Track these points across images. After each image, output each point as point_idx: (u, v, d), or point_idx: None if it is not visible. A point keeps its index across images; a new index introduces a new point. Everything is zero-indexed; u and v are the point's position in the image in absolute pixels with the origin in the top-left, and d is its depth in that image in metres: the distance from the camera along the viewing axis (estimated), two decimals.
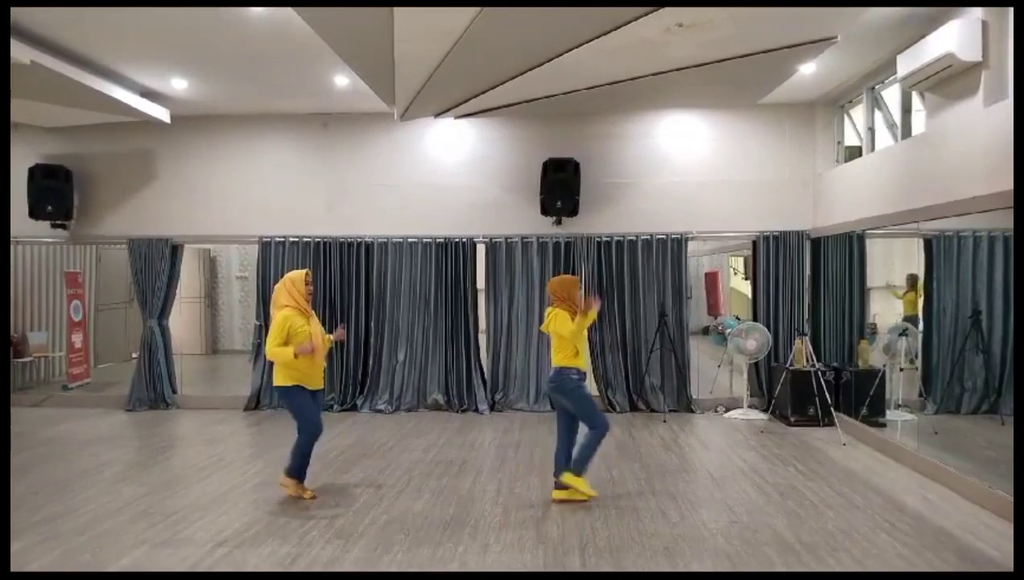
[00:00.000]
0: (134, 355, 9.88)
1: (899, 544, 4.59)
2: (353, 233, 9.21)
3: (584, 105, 8.16)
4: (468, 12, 5.05)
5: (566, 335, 5.30)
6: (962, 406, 6.79)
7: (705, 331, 12.29)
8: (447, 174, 9.25)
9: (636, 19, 5.14)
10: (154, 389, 9.25)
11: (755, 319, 8.93)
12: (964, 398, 6.75)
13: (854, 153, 8.56)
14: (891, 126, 7.69)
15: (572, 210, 8.77)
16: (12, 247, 9.59)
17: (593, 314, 5.32)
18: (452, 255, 9.10)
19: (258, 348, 9.26)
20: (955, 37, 5.61)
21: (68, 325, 10.00)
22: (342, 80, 7.75)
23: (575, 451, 5.46)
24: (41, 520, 5.07)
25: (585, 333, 5.43)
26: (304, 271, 5.62)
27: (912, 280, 7.46)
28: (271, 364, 8.98)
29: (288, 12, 5.55)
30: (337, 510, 5.27)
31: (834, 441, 7.30)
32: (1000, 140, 5.27)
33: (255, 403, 9.15)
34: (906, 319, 7.50)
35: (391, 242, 9.17)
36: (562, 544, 4.62)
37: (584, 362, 5.46)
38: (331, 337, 5.80)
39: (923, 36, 6.00)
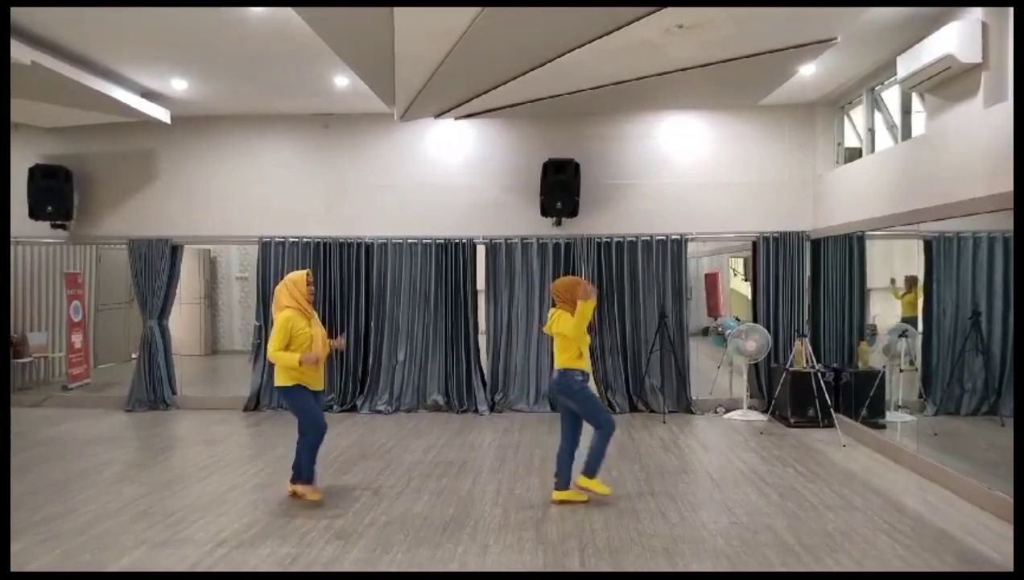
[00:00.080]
0: (134, 355, 9.90)
1: (899, 545, 4.59)
2: (353, 234, 9.21)
3: (584, 106, 8.17)
4: (468, 12, 5.05)
5: (569, 334, 5.31)
6: (962, 407, 6.79)
7: (705, 332, 12.31)
8: (447, 175, 9.26)
9: (637, 19, 5.14)
10: (154, 389, 9.25)
11: (755, 320, 8.93)
12: (964, 399, 6.75)
13: (854, 154, 8.57)
14: (891, 127, 7.70)
15: (572, 211, 8.77)
16: (12, 247, 9.59)
17: (590, 304, 5.27)
18: (452, 256, 9.11)
19: (258, 348, 9.26)
20: (955, 38, 5.61)
21: (68, 325, 10.00)
22: (342, 81, 7.76)
23: (587, 454, 5.45)
24: (41, 520, 5.07)
25: (587, 336, 5.45)
26: (305, 271, 5.55)
27: (911, 282, 7.46)
28: (271, 365, 9.03)
29: (288, 12, 5.55)
30: (337, 511, 5.27)
31: (834, 442, 7.30)
32: (1000, 142, 5.27)
33: (255, 404, 9.15)
34: (905, 320, 7.50)
35: (391, 243, 9.17)
36: (562, 545, 4.62)
37: (587, 363, 5.46)
38: (332, 342, 5.74)
39: (923, 37, 6.00)
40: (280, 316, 5.32)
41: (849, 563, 4.33)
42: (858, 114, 8.36)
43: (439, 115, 8.18)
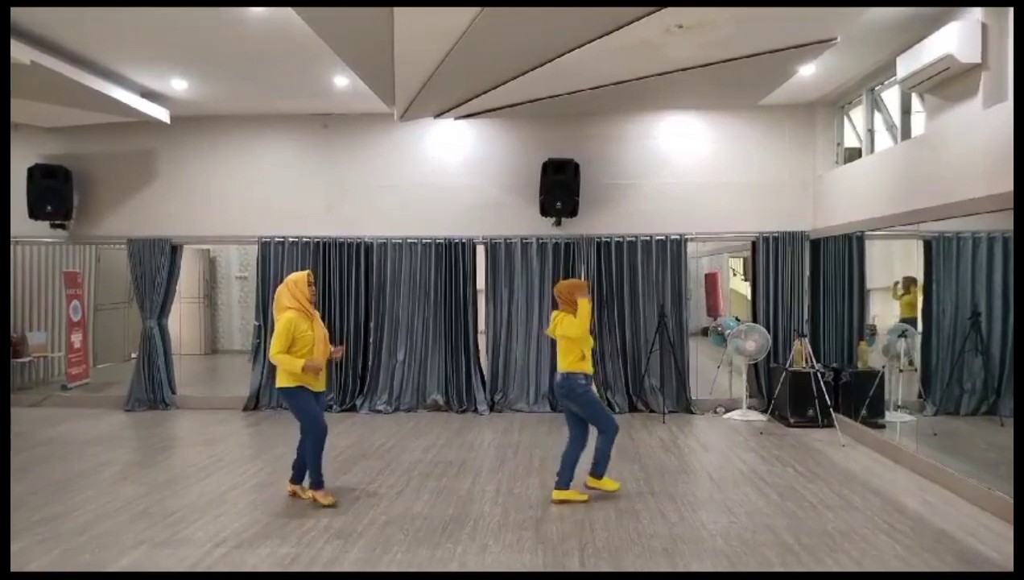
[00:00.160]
0: (133, 355, 9.89)
1: (898, 545, 4.60)
2: (353, 233, 9.21)
3: (584, 106, 8.16)
4: (468, 12, 5.05)
5: (572, 335, 5.33)
6: (961, 407, 6.80)
7: (704, 332, 12.28)
8: (447, 175, 9.26)
9: (637, 19, 5.14)
10: (153, 389, 9.25)
11: (754, 320, 8.93)
12: (963, 399, 6.76)
13: (854, 154, 8.57)
14: (891, 128, 7.70)
15: (572, 211, 8.77)
16: (12, 247, 9.58)
17: (586, 303, 5.36)
18: (452, 256, 9.11)
19: (257, 348, 9.26)
20: (955, 39, 5.61)
21: (67, 325, 10.00)
22: (342, 80, 7.76)
23: (593, 457, 5.54)
24: (40, 520, 5.07)
25: (591, 338, 5.47)
26: (306, 272, 5.49)
27: (908, 282, 7.46)
28: (271, 365, 9.04)
29: (288, 12, 5.55)
30: (336, 510, 5.27)
31: (833, 442, 7.31)
32: (999, 142, 5.28)
33: (254, 403, 9.15)
34: (903, 321, 7.50)
35: (391, 242, 9.17)
36: (561, 545, 4.62)
37: (590, 366, 5.48)
38: (331, 350, 5.66)
39: (923, 38, 6.01)
40: (283, 318, 5.27)
41: (848, 563, 4.33)
42: (858, 114, 8.37)
43: (439, 115, 8.18)
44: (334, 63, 6.84)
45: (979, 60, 5.60)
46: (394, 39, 5.55)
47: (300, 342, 5.26)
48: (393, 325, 9.16)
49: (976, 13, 5.62)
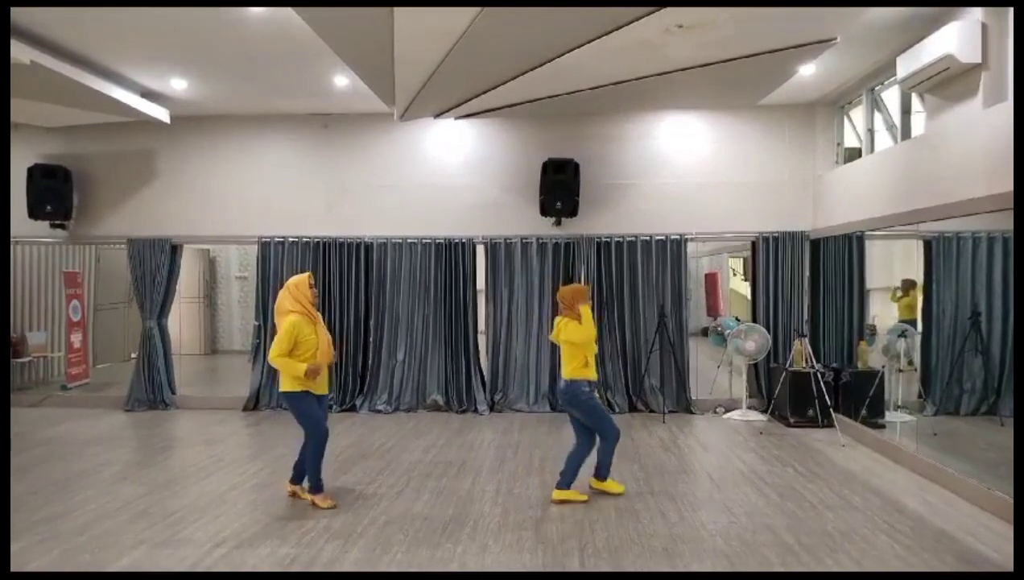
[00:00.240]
0: (133, 355, 9.88)
1: (898, 546, 4.60)
2: (353, 233, 9.21)
3: (584, 106, 8.16)
4: (468, 12, 5.05)
5: (577, 341, 5.34)
6: (961, 407, 6.79)
7: (704, 332, 12.28)
8: (447, 175, 9.26)
9: (637, 19, 5.14)
10: (153, 389, 9.25)
11: (754, 320, 8.93)
12: (963, 399, 6.76)
13: (854, 154, 8.57)
14: (891, 127, 7.70)
15: (572, 211, 8.77)
16: (11, 247, 9.58)
17: (587, 310, 5.44)
18: (452, 255, 9.11)
19: (257, 348, 9.26)
20: (955, 39, 5.61)
21: (67, 325, 10.00)
22: (342, 80, 7.76)
23: (596, 460, 5.58)
24: (40, 520, 5.07)
25: (595, 344, 5.48)
26: (306, 274, 5.45)
27: (907, 285, 7.45)
28: (271, 365, 9.03)
29: (288, 12, 5.55)
30: (336, 511, 5.27)
31: (833, 442, 7.31)
32: (999, 142, 5.28)
33: (254, 403, 9.15)
34: (901, 323, 7.50)
35: (391, 242, 9.17)
36: (561, 545, 4.62)
37: (594, 373, 5.50)
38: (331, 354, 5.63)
39: (923, 38, 6.01)
40: (286, 321, 5.22)
41: (848, 563, 4.33)
42: (858, 114, 8.37)
43: (439, 115, 8.18)
44: (334, 63, 6.84)
45: (979, 60, 5.60)
46: (394, 39, 5.55)
47: (303, 346, 5.23)
48: (393, 325, 9.16)
49: (976, 13, 5.62)
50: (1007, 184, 5.06)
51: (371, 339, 9.15)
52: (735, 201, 9.00)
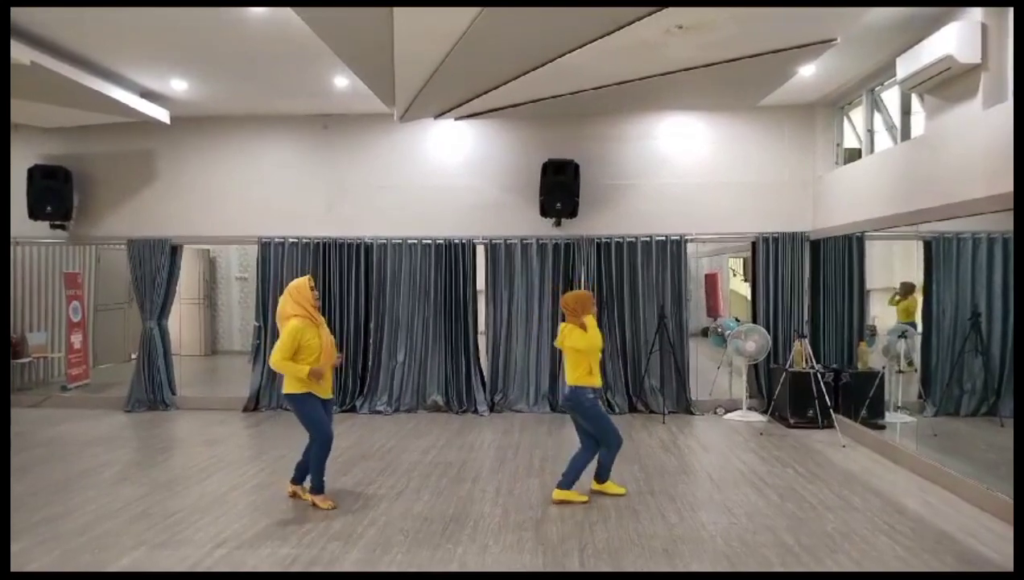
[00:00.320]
0: (133, 356, 9.89)
1: (898, 546, 4.60)
2: (353, 234, 9.22)
3: (584, 106, 8.16)
4: (468, 12, 5.05)
5: (582, 348, 5.34)
6: (961, 408, 6.79)
7: (704, 333, 12.28)
8: (447, 175, 9.26)
9: (639, 19, 5.14)
10: (153, 390, 9.25)
11: (754, 321, 8.94)
12: (963, 400, 6.75)
13: (853, 155, 8.57)
14: (890, 128, 7.70)
15: (572, 211, 8.78)
16: (11, 248, 9.59)
17: (592, 319, 5.46)
18: (452, 256, 9.11)
19: (258, 349, 9.26)
20: (954, 39, 5.62)
21: (67, 326, 10.00)
22: (342, 81, 7.76)
23: (597, 464, 5.60)
24: (41, 521, 5.07)
25: (599, 352, 5.51)
26: (306, 278, 5.44)
27: (907, 288, 7.45)
28: (271, 366, 9.04)
29: (288, 13, 5.55)
30: (336, 511, 5.27)
31: (833, 443, 7.31)
32: (999, 142, 5.28)
33: (254, 404, 9.15)
34: (900, 323, 7.50)
35: (391, 243, 9.17)
36: (561, 545, 4.63)
37: (599, 379, 5.50)
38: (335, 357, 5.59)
39: (922, 38, 6.01)
40: (289, 325, 5.19)
41: (849, 564, 4.33)
42: (858, 115, 8.37)
43: (439, 116, 8.18)
44: (334, 64, 6.84)
45: (979, 61, 5.61)
46: (394, 39, 5.55)
47: (306, 350, 5.20)
48: (393, 325, 9.16)
49: (976, 14, 5.62)
50: (1007, 185, 5.06)
51: (371, 340, 9.15)
52: (735, 202, 9.00)
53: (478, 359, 9.18)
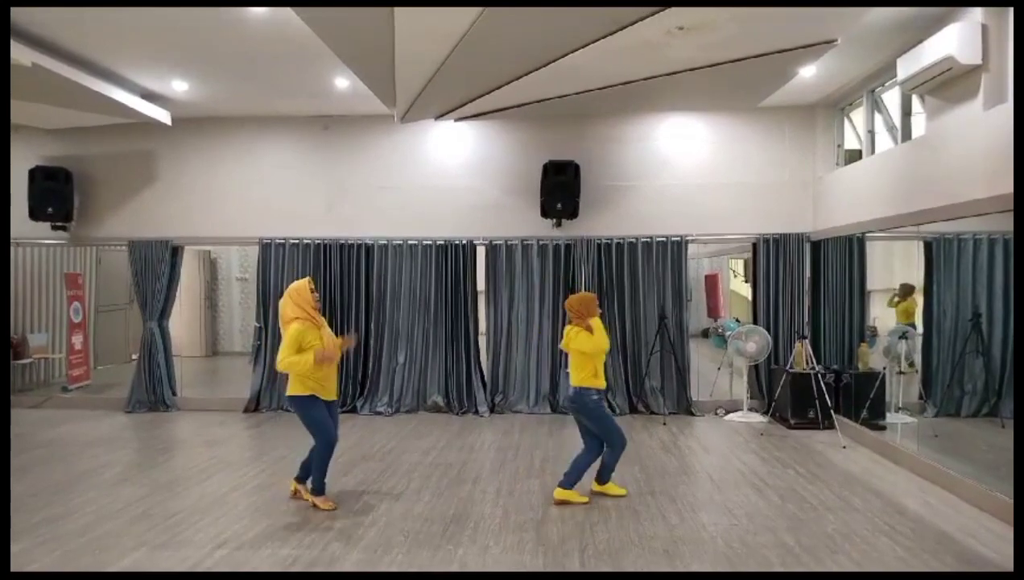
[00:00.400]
0: (134, 357, 9.89)
1: (899, 547, 4.59)
2: (353, 235, 9.22)
3: (585, 107, 8.17)
4: (469, 13, 5.05)
5: (588, 350, 5.35)
6: (962, 409, 6.78)
7: (705, 333, 12.29)
8: (447, 176, 9.26)
9: (641, 19, 5.14)
10: (154, 391, 9.25)
11: (755, 322, 8.93)
12: (964, 401, 6.75)
13: (854, 156, 8.57)
14: (891, 129, 7.70)
15: (572, 212, 8.78)
16: (12, 249, 9.60)
17: (598, 321, 5.46)
18: (452, 257, 9.11)
19: (258, 350, 9.27)
20: (955, 40, 5.61)
21: (68, 327, 10.00)
22: (342, 82, 7.76)
23: (599, 465, 5.60)
24: (41, 522, 5.07)
25: (604, 354, 5.52)
26: (306, 279, 5.42)
27: (906, 290, 7.44)
28: (271, 366, 9.05)
29: (288, 13, 5.55)
30: (337, 512, 5.27)
31: (834, 444, 7.30)
32: (1000, 143, 5.28)
33: (255, 405, 9.15)
34: (899, 324, 7.49)
35: (391, 244, 9.17)
36: (562, 546, 4.62)
37: (603, 381, 5.51)
38: (344, 339, 5.60)
39: (923, 39, 6.01)
40: (290, 329, 5.17)
41: (849, 564, 4.33)
42: (858, 116, 8.37)
43: (439, 116, 8.18)
44: (335, 64, 6.84)
45: (979, 61, 5.60)
46: (395, 40, 5.55)
47: (309, 352, 5.19)
48: (393, 327, 9.16)
49: (976, 15, 5.62)
50: (1007, 185, 5.05)
51: (371, 341, 9.15)
52: (735, 202, 9.00)
53: (478, 360, 9.18)
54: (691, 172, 9.10)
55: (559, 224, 9.03)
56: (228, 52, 6.96)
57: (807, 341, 8.26)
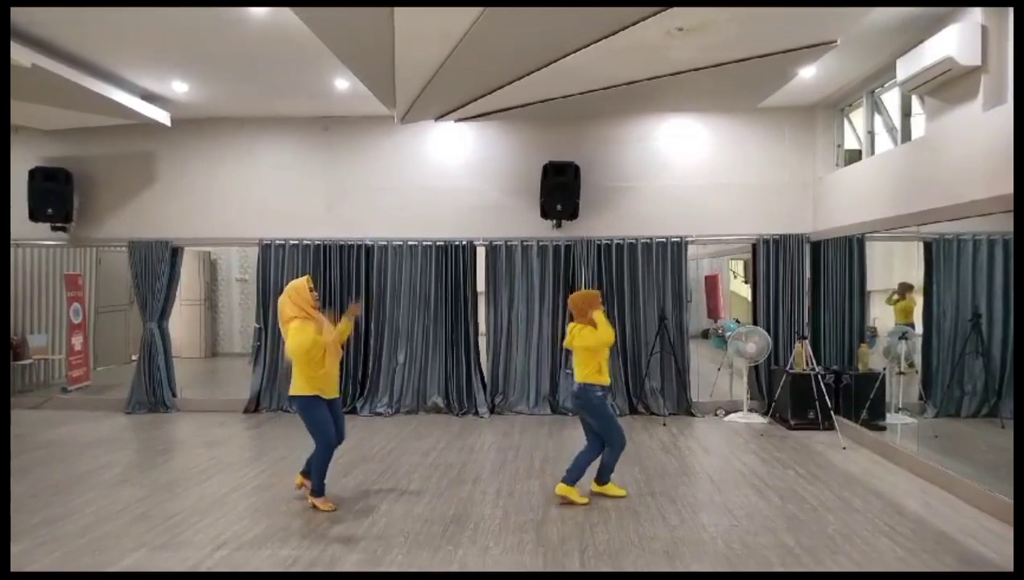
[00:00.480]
0: (134, 358, 9.89)
1: (899, 548, 4.59)
2: (353, 235, 9.22)
3: (585, 108, 8.17)
4: (470, 13, 5.05)
5: (593, 345, 5.37)
6: (962, 409, 6.79)
7: (705, 334, 12.30)
8: (447, 177, 9.26)
9: (643, 19, 5.14)
10: (154, 392, 9.25)
11: (755, 322, 8.93)
12: (964, 401, 6.75)
13: (854, 157, 8.57)
14: (891, 130, 7.70)
15: (572, 213, 8.78)
16: (12, 250, 9.60)
17: (601, 314, 5.56)
18: (452, 258, 9.11)
19: (258, 351, 9.26)
20: (955, 41, 5.62)
21: (68, 327, 10.01)
22: (342, 83, 7.77)
23: (599, 465, 5.61)
24: (41, 523, 5.07)
25: (607, 349, 5.53)
26: (305, 278, 5.40)
27: (904, 288, 7.44)
28: (271, 367, 9.07)
29: (288, 14, 5.54)
30: (337, 513, 5.27)
31: (834, 444, 7.30)
32: (1000, 144, 5.28)
33: (255, 406, 9.15)
34: (898, 325, 7.49)
35: (391, 245, 9.17)
36: (562, 547, 4.62)
37: (608, 378, 5.54)
38: (347, 317, 5.52)
39: (922, 40, 6.01)
40: (291, 327, 5.15)
41: (849, 565, 4.33)
42: (858, 116, 8.37)
43: (440, 117, 8.19)
44: (335, 65, 6.84)
45: (979, 62, 5.61)
46: (395, 40, 5.56)
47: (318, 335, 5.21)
48: (393, 327, 9.16)
49: (976, 15, 5.62)
50: (1007, 186, 5.06)
51: (371, 342, 9.15)
52: (735, 203, 9.00)
53: (478, 361, 9.18)
54: (691, 173, 9.10)
55: (559, 225, 9.03)
56: (228, 53, 6.96)
57: (807, 342, 8.26)
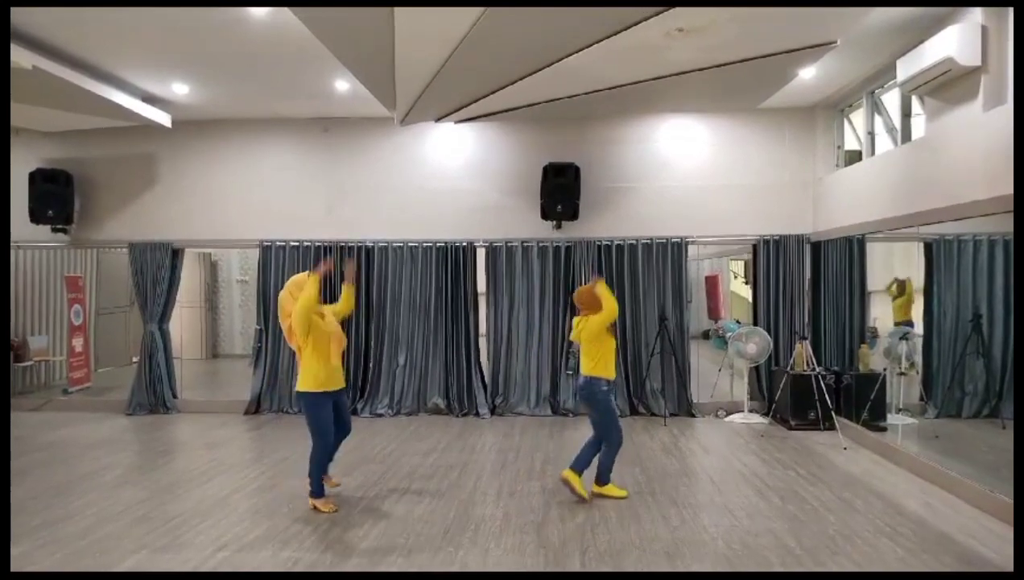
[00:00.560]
0: (134, 359, 9.89)
1: (899, 548, 4.59)
2: (353, 237, 9.22)
3: (585, 110, 8.17)
4: (470, 14, 5.05)
5: (602, 320, 5.42)
6: (963, 410, 6.79)
7: (705, 335, 12.29)
8: (448, 178, 9.27)
9: (645, 19, 5.14)
10: (154, 393, 9.26)
11: (755, 323, 8.93)
12: (965, 402, 6.75)
13: (854, 157, 8.57)
14: (891, 130, 7.70)
15: (572, 214, 8.78)
16: (13, 251, 9.61)
17: (603, 288, 5.51)
18: (452, 259, 9.11)
19: (259, 352, 9.26)
20: (955, 42, 5.62)
21: (69, 329, 10.01)
22: (343, 85, 7.77)
23: (597, 465, 5.63)
24: (41, 524, 5.07)
25: (612, 340, 5.55)
26: (305, 273, 5.48)
27: (901, 285, 7.44)
28: (271, 368, 9.08)
29: (289, 15, 5.54)
30: (338, 514, 5.27)
31: (835, 445, 7.30)
32: (1000, 144, 5.28)
33: (255, 407, 9.15)
34: (897, 325, 7.49)
35: (392, 246, 9.17)
36: (563, 548, 4.62)
37: (613, 372, 5.56)
38: (348, 282, 5.67)
39: (922, 40, 6.02)
40: (293, 317, 5.23)
41: (850, 565, 4.33)
42: (858, 117, 8.37)
43: (440, 119, 8.19)
44: (335, 67, 6.85)
45: (979, 63, 5.61)
46: (395, 41, 5.56)
47: (315, 332, 5.24)
48: (394, 329, 9.16)
49: (976, 16, 5.63)
50: (1007, 187, 5.06)
51: (372, 343, 9.15)
52: (736, 204, 9.00)
53: (479, 362, 9.18)
54: (691, 174, 9.10)
55: (559, 226, 9.03)
56: (228, 54, 6.96)
57: (807, 342, 8.26)
